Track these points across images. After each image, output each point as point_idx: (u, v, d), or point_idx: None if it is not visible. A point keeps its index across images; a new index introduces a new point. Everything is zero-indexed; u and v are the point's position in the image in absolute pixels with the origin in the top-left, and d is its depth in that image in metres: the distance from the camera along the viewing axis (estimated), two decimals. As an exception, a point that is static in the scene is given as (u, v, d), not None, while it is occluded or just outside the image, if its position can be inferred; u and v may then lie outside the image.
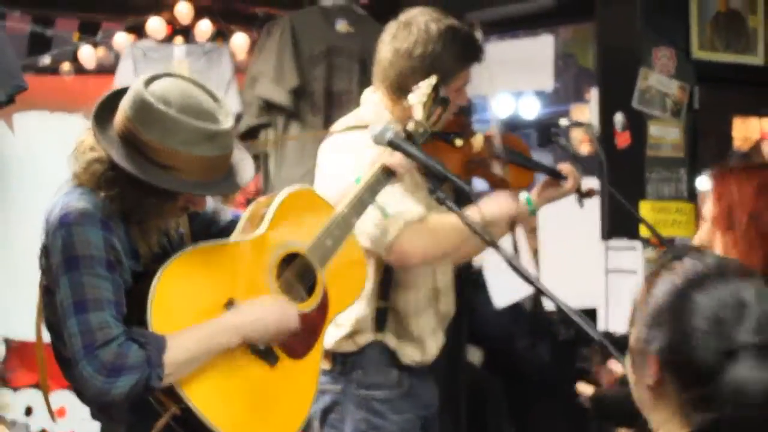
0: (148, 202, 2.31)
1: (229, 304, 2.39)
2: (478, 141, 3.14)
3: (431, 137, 3.01)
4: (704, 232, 2.70)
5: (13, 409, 4.22)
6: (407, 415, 3.06)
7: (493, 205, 2.99)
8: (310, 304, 2.55)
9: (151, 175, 2.26)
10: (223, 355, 2.36)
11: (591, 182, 3.35)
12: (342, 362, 3.03)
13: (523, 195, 3.19)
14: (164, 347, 2.25)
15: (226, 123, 2.33)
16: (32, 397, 4.71)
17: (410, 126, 2.70)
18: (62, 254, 2.26)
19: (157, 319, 2.28)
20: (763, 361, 1.55)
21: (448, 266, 3.18)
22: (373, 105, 3.08)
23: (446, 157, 3.01)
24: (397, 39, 3.02)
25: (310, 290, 2.57)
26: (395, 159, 2.67)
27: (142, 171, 2.26)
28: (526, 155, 3.25)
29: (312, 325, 2.54)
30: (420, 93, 2.74)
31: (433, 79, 2.74)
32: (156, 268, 2.32)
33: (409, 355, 3.06)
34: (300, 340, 2.50)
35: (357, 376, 3.02)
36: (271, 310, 2.43)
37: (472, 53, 3.07)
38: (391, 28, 3.06)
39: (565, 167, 3.19)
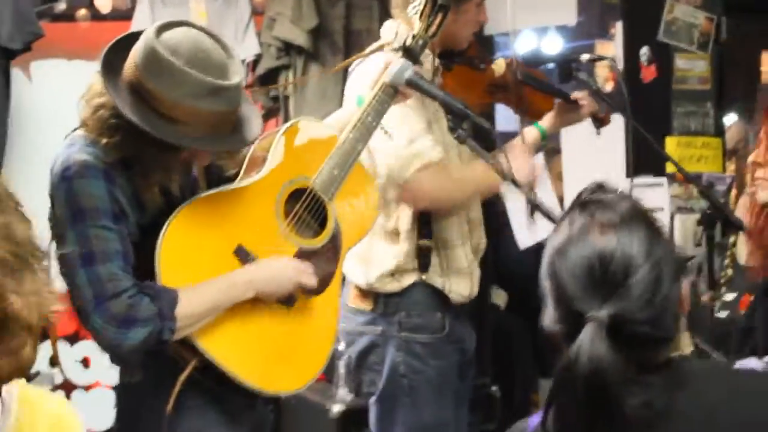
0: (149, 153, 2.27)
1: (239, 250, 2.38)
2: (499, 65, 3.10)
3: (456, 63, 2.95)
4: (760, 150, 2.72)
5: (38, 360, 4.22)
6: (447, 360, 3.05)
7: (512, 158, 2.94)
8: (323, 238, 2.51)
9: (153, 125, 2.22)
10: (239, 302, 2.34)
11: (617, 118, 3.29)
12: (384, 303, 3.01)
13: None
14: (176, 301, 2.24)
15: (235, 78, 2.29)
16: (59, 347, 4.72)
17: (408, 40, 2.64)
18: (67, 208, 2.25)
19: (165, 271, 2.27)
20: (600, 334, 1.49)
21: (477, 199, 3.15)
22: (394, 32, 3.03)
23: (468, 81, 3.00)
24: None
25: (322, 223, 2.53)
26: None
27: (145, 120, 2.22)
28: (546, 81, 3.23)
29: (327, 260, 2.51)
30: (417, 3, 2.68)
31: None
32: (163, 221, 2.29)
33: (457, 290, 3.03)
34: (316, 276, 2.47)
35: (400, 318, 3.00)
36: (288, 268, 2.40)
37: None
38: None
39: (578, 94, 3.16)
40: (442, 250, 3.01)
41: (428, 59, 2.93)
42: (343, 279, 3.06)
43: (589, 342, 1.48)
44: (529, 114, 3.22)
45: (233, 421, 2.44)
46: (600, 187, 1.66)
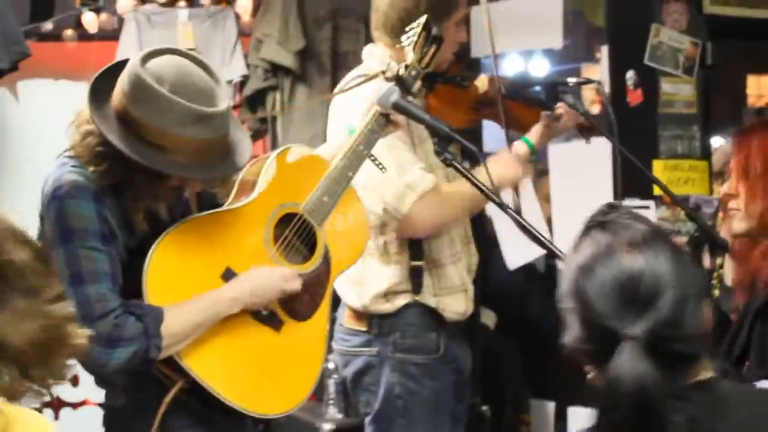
0: (137, 180, 2.28)
1: (227, 273, 2.37)
2: (482, 81, 3.11)
3: (438, 82, 2.97)
4: (731, 181, 2.73)
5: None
6: (442, 381, 3.05)
7: (499, 167, 2.95)
8: (312, 264, 2.51)
9: (140, 153, 2.22)
10: (226, 324, 2.34)
11: (604, 141, 3.30)
12: (379, 324, 3.01)
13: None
14: (162, 319, 2.24)
15: (222, 104, 2.28)
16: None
17: (401, 71, 2.65)
18: (56, 227, 2.24)
19: (153, 292, 2.27)
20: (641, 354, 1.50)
21: (467, 216, 3.16)
22: (378, 57, 3.04)
23: (453, 100, 3.01)
24: None
25: (311, 249, 2.53)
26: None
27: (132, 149, 2.22)
28: (529, 94, 3.24)
29: (316, 285, 2.52)
30: (411, 34, 2.70)
31: (423, 18, 2.70)
32: (152, 243, 2.29)
33: (451, 308, 3.03)
34: (304, 301, 2.48)
35: (394, 339, 3.00)
36: (271, 278, 2.39)
37: None
38: None
39: (560, 106, 3.15)
40: (434, 269, 3.01)
41: None
42: (339, 300, 3.07)
43: (629, 360, 1.49)
44: (515, 127, 3.22)
45: (221, 442, 2.43)
46: (612, 207, 1.68)
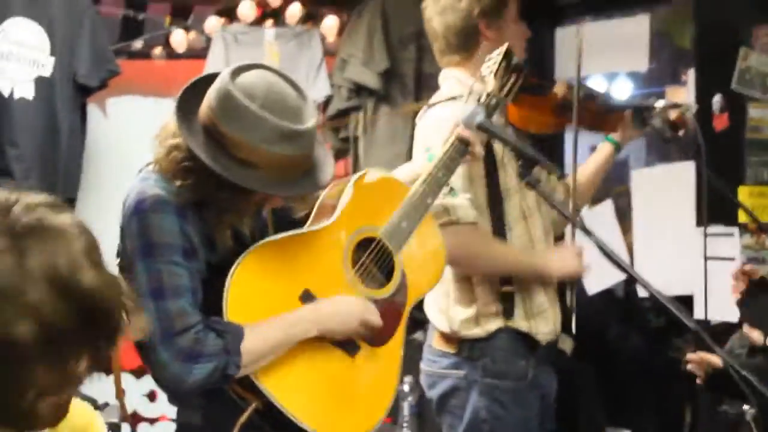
0: (222, 196, 2.27)
1: (305, 295, 2.37)
2: (560, 88, 3.09)
3: (518, 92, 2.97)
4: None
5: (105, 392, 4.27)
6: (529, 408, 3.02)
7: (559, 261, 2.99)
8: (389, 289, 2.51)
9: (227, 169, 2.22)
10: (303, 347, 2.34)
11: (688, 166, 3.26)
12: (469, 347, 2.98)
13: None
14: (242, 336, 2.24)
15: (309, 122, 2.29)
16: (125, 380, 4.75)
17: (483, 98, 2.65)
18: (138, 241, 2.25)
19: (233, 311, 2.27)
20: None
21: (551, 236, 3.15)
22: (455, 79, 3.05)
23: (535, 107, 3.01)
24: (438, 3, 3.05)
25: (388, 275, 2.53)
26: (469, 132, 2.61)
27: (219, 165, 2.22)
28: (607, 96, 3.23)
29: (392, 311, 2.50)
30: (491, 63, 2.70)
31: (503, 48, 2.70)
32: (233, 261, 2.29)
33: (543, 329, 3.01)
34: (380, 327, 2.46)
35: (484, 363, 2.97)
36: (352, 306, 2.39)
37: None
38: (426, 2, 3.11)
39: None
40: (525, 293, 2.99)
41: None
42: (420, 323, 3.06)
43: None
44: (598, 128, 3.21)
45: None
46: None
